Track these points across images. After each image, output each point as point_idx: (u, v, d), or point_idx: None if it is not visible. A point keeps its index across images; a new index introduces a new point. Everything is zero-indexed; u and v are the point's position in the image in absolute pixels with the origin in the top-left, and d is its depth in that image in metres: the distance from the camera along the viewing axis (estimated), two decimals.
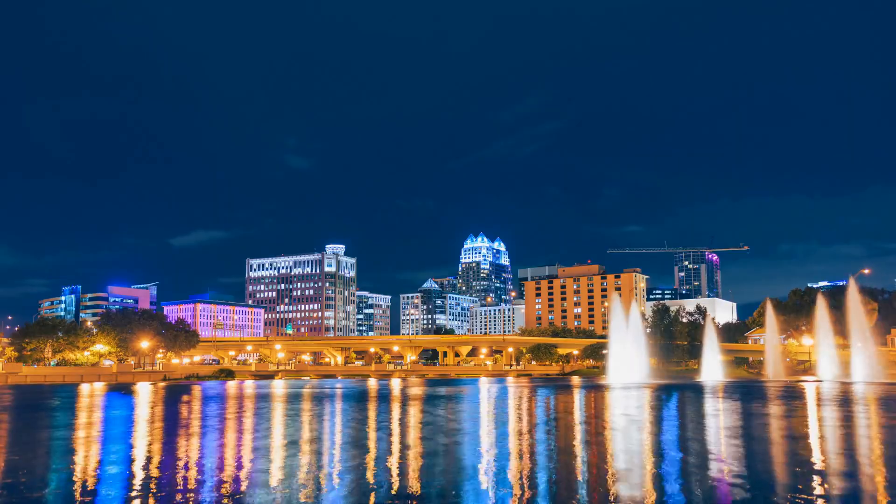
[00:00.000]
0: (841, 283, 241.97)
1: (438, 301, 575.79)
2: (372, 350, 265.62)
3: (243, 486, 25.75)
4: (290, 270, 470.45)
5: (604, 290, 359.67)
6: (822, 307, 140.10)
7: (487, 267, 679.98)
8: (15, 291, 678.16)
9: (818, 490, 23.95)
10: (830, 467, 28.94)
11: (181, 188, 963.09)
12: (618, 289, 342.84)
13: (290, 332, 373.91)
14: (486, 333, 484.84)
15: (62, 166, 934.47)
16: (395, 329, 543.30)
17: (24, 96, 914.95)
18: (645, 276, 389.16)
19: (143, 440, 42.14)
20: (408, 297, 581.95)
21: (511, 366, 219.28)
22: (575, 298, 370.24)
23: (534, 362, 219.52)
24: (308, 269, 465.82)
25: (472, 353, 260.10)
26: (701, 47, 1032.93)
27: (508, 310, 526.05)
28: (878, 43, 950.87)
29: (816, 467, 28.84)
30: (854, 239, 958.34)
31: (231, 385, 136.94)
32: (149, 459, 33.46)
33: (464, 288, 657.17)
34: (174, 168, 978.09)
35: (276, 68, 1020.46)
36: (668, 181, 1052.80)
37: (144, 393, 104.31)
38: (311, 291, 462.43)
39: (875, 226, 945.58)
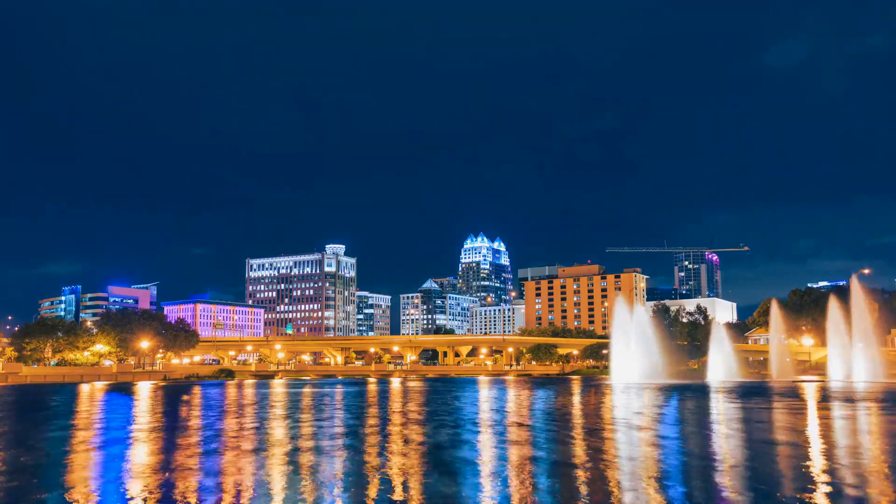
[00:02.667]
0: (841, 283, 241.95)
1: (438, 301, 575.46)
2: (372, 350, 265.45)
3: (243, 492, 25.67)
4: (290, 270, 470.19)
5: (604, 290, 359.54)
6: (834, 307, 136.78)
7: (487, 267, 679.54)
8: (15, 291, 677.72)
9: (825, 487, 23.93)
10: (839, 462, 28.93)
11: (182, 187, 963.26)
12: (618, 289, 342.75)
13: (290, 332, 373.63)
14: (486, 333, 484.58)
15: (66, 167, 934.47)
16: (395, 329, 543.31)
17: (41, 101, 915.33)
18: (645, 276, 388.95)
19: (143, 442, 42.05)
20: (408, 297, 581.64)
21: (511, 366, 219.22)
22: (575, 298, 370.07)
23: (534, 362, 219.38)
24: (308, 269, 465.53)
25: (472, 353, 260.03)
26: (701, 55, 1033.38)
27: (508, 310, 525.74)
28: (878, 54, 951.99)
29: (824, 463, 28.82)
30: (853, 239, 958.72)
31: (231, 385, 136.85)
32: (148, 462, 33.38)
33: (464, 288, 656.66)
34: (176, 168, 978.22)
35: (278, 67, 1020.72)
36: (668, 183, 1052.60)
37: (144, 393, 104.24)
38: (311, 291, 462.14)
39: (875, 226, 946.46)
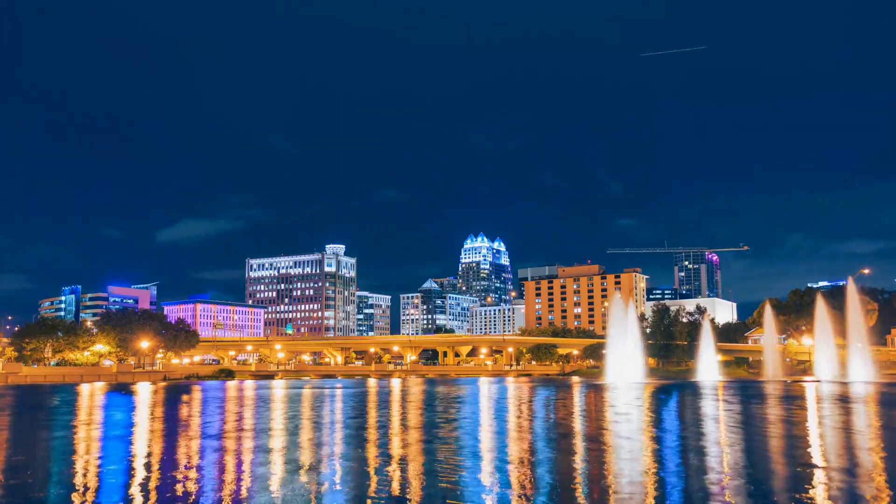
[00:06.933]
0: (841, 283, 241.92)
1: (438, 301, 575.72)
2: (372, 350, 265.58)
3: (243, 493, 25.76)
4: (290, 270, 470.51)
5: (604, 290, 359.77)
6: (821, 307, 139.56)
7: (487, 267, 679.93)
8: (15, 291, 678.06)
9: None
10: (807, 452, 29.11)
11: (183, 187, 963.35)
12: (618, 289, 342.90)
13: (290, 332, 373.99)
14: (486, 333, 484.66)
15: (67, 168, 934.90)
16: (395, 329, 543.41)
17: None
18: (645, 276, 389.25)
19: (143, 442, 42.13)
20: (408, 297, 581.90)
21: (511, 366, 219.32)
22: (575, 298, 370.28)
23: (534, 362, 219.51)
24: (308, 269, 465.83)
25: (472, 353, 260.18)
26: (696, 43, 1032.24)
27: (508, 310, 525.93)
28: (882, 32, 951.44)
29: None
30: (855, 238, 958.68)
31: (231, 385, 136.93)
32: (147, 464, 33.46)
33: (464, 288, 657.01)
34: (177, 168, 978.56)
35: (273, 66, 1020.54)
36: (668, 180, 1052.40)
37: (144, 393, 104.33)
38: (311, 291, 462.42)
39: (877, 225, 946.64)
